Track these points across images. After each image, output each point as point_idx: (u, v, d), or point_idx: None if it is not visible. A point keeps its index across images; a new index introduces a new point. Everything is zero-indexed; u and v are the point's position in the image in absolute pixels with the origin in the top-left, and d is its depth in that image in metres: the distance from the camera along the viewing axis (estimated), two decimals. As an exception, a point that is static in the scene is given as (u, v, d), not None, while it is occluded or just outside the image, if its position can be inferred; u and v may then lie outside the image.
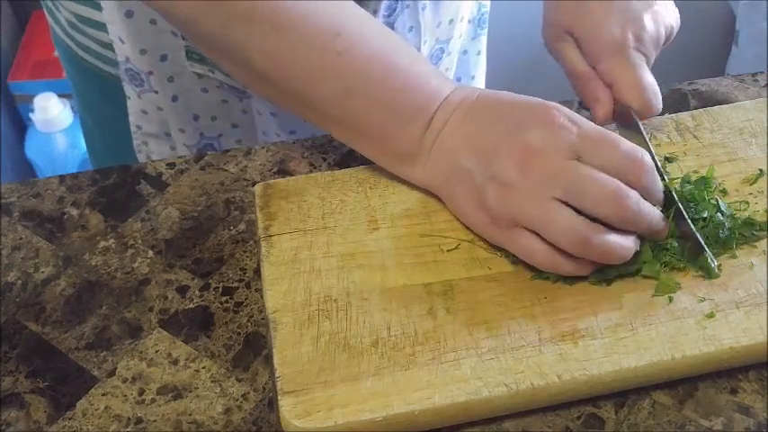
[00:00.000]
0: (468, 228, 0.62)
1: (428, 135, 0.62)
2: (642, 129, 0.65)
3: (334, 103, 0.62)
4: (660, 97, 0.67)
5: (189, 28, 0.64)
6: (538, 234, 0.58)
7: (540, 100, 0.61)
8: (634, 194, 0.57)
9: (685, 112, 0.72)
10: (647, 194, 0.58)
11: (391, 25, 0.80)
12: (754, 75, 0.80)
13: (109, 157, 0.96)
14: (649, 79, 0.67)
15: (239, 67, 0.64)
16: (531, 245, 0.58)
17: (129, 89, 0.82)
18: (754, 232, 0.62)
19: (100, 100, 0.90)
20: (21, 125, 1.91)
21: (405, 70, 0.62)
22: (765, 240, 0.62)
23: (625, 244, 0.57)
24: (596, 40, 0.68)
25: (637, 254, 0.58)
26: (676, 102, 0.78)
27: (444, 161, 0.62)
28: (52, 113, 1.78)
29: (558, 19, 0.71)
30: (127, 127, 0.85)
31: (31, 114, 1.81)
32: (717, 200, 0.63)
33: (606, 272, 0.59)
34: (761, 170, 0.67)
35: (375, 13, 0.78)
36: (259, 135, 0.85)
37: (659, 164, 0.62)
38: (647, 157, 0.58)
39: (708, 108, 0.73)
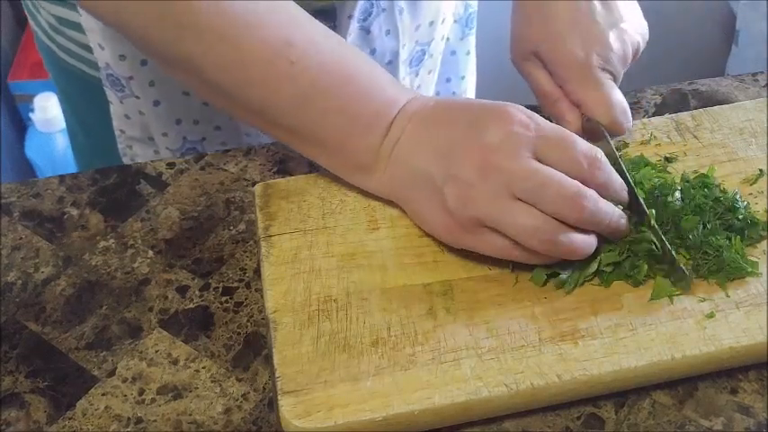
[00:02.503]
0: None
1: (386, 143, 0.62)
2: (612, 144, 0.66)
3: (288, 113, 0.62)
4: (629, 114, 0.68)
5: (140, 41, 0.63)
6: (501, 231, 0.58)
7: (498, 102, 0.61)
8: (591, 194, 0.57)
9: (685, 112, 0.72)
10: (605, 192, 0.58)
11: (367, 29, 0.80)
12: (754, 75, 0.80)
13: (94, 158, 0.95)
14: (617, 97, 0.67)
15: (193, 78, 0.63)
16: (496, 243, 0.58)
17: (111, 95, 0.82)
18: (761, 233, 0.62)
19: (83, 103, 0.90)
20: (21, 125, 1.91)
21: (360, 79, 0.62)
22: (765, 240, 0.62)
23: (588, 240, 0.58)
24: (561, 62, 0.68)
25: (595, 253, 0.59)
26: (676, 102, 0.78)
27: (403, 168, 0.62)
28: (52, 113, 1.78)
29: (523, 40, 0.71)
30: (111, 129, 0.85)
31: (31, 114, 1.81)
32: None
33: (568, 275, 0.59)
34: (761, 170, 0.67)
35: (350, 17, 0.78)
36: (243, 137, 0.85)
37: (628, 175, 0.62)
38: (602, 155, 0.59)
39: (708, 108, 0.73)
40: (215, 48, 0.59)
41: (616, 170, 0.61)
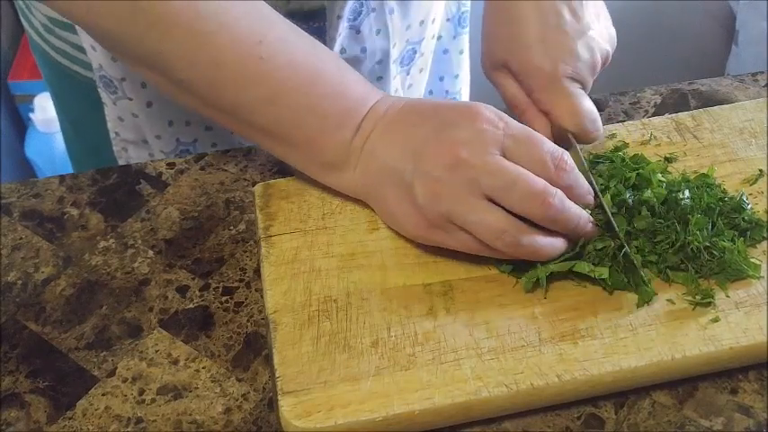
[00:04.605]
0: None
1: (356, 141, 0.62)
2: (580, 153, 0.65)
3: (258, 111, 0.62)
4: (599, 122, 0.67)
5: (107, 39, 0.63)
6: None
7: (468, 101, 0.61)
8: (558, 193, 0.57)
9: (685, 112, 0.72)
10: (570, 194, 0.59)
11: (357, 29, 0.80)
12: (754, 75, 0.80)
13: (87, 160, 0.95)
14: (586, 105, 0.67)
15: (161, 77, 0.63)
16: (463, 239, 0.59)
17: (104, 96, 0.82)
18: (763, 234, 0.62)
19: (77, 104, 0.90)
20: (21, 125, 1.91)
21: (330, 77, 0.62)
22: (765, 241, 0.62)
23: (555, 243, 0.58)
24: (528, 73, 0.68)
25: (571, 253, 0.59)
26: (676, 102, 0.78)
27: (373, 165, 0.62)
28: (52, 113, 1.78)
29: (493, 52, 0.71)
30: (104, 131, 0.85)
31: (31, 114, 1.81)
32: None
33: (537, 269, 0.59)
34: (761, 170, 0.67)
35: (339, 18, 0.78)
36: (235, 137, 0.85)
37: (595, 186, 0.62)
38: (568, 156, 0.59)
39: (708, 108, 0.73)
40: (185, 45, 0.59)
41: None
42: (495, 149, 0.58)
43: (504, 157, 0.58)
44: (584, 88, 0.68)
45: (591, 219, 0.59)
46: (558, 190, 0.57)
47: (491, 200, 0.57)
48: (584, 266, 0.59)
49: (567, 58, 0.67)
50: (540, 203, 0.56)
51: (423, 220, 0.59)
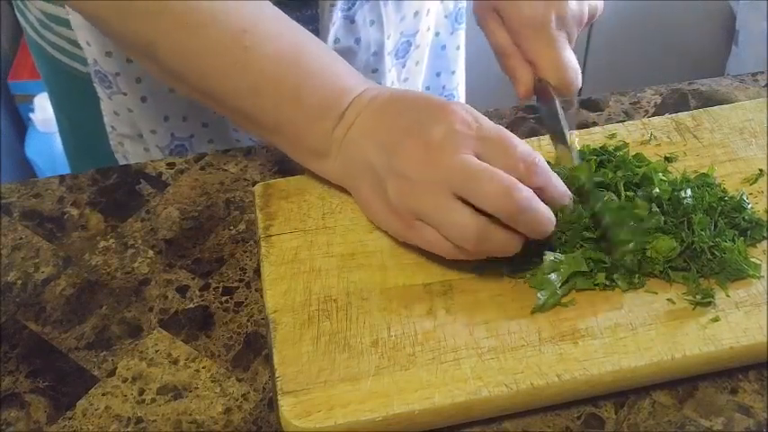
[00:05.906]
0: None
1: (339, 129, 0.63)
2: (558, 106, 0.66)
3: (243, 99, 0.63)
4: (579, 74, 0.68)
5: (102, 26, 0.65)
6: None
7: (446, 99, 0.61)
8: (527, 191, 0.56)
9: (685, 112, 0.72)
10: (543, 195, 0.58)
11: (351, 18, 0.80)
12: (754, 75, 0.80)
13: (84, 156, 0.95)
14: (569, 57, 0.68)
15: (153, 64, 0.64)
16: (432, 238, 0.59)
17: (100, 91, 0.82)
18: (763, 234, 0.62)
19: (74, 100, 0.90)
20: (21, 125, 1.91)
21: (314, 67, 0.63)
22: (765, 240, 0.62)
23: (514, 241, 0.58)
24: (518, 18, 0.69)
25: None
26: (676, 102, 0.78)
27: (352, 154, 0.62)
28: (52, 113, 1.77)
29: None
30: (101, 127, 0.85)
31: (31, 114, 1.81)
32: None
33: (554, 293, 0.58)
34: (761, 170, 0.67)
35: (332, 7, 0.78)
36: (230, 133, 0.85)
37: (574, 148, 0.63)
38: (541, 159, 0.59)
39: (708, 108, 0.73)
40: (172, 35, 0.61)
41: (557, 131, 0.63)
42: (466, 151, 0.57)
43: (477, 158, 0.58)
44: (569, 40, 0.69)
45: (552, 220, 0.58)
46: (529, 189, 0.56)
47: (461, 199, 0.57)
48: (588, 282, 0.59)
49: (557, 7, 0.68)
50: (507, 201, 0.56)
51: (395, 215, 0.60)
